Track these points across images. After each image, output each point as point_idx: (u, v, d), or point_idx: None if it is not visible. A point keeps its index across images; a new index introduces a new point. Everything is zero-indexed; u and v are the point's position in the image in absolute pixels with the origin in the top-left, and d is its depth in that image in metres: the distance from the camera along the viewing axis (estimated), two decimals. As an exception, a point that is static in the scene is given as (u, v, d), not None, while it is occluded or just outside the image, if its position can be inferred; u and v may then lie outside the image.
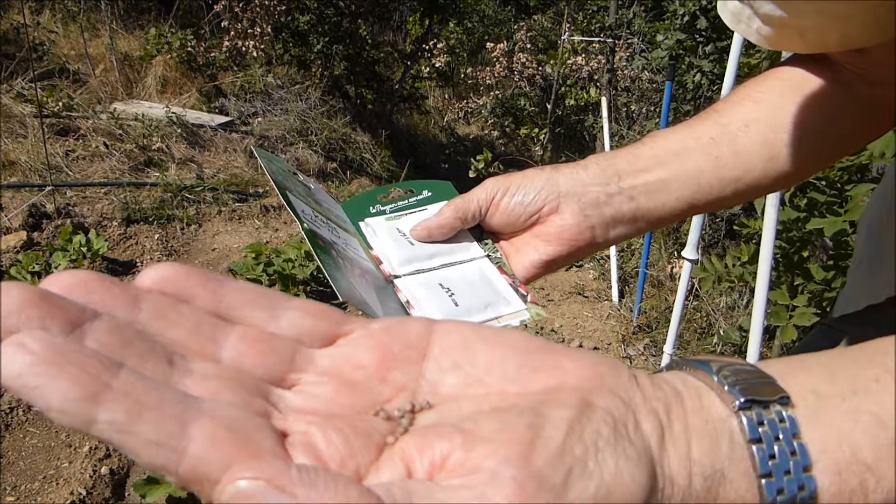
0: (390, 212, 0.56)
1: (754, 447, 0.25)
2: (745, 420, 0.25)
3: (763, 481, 0.25)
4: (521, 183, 0.53)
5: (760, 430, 0.25)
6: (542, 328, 3.16)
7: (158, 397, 0.20)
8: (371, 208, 0.56)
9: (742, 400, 0.25)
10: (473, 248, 0.54)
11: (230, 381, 0.23)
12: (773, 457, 0.25)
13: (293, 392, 0.25)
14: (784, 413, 0.26)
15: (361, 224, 0.55)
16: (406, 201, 0.57)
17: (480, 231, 0.55)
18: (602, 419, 0.23)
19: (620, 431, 0.23)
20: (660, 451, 0.24)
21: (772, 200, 1.60)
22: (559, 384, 0.25)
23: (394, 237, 0.53)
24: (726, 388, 0.26)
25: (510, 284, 0.51)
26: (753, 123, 0.54)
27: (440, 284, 0.50)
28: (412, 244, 0.52)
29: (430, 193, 0.58)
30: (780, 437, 0.25)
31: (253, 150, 0.61)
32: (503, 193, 0.53)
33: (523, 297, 0.51)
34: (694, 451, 0.25)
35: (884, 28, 0.49)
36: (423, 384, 0.26)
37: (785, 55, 0.64)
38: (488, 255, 0.53)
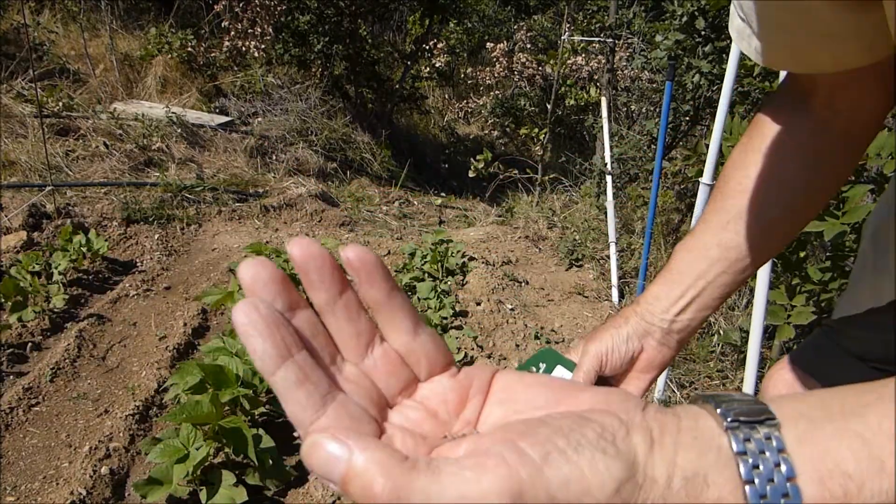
0: None
1: (740, 459, 0.29)
2: (732, 437, 0.29)
3: (747, 487, 0.28)
4: (614, 343, 0.68)
5: (747, 445, 0.29)
6: (542, 328, 3.17)
7: (317, 378, 0.30)
8: None
9: (730, 419, 0.30)
10: None
11: (363, 388, 0.33)
12: (756, 467, 0.28)
13: (394, 410, 0.34)
14: (772, 433, 0.29)
15: None
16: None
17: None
18: (591, 427, 0.29)
19: (606, 437, 0.28)
20: (646, 458, 0.28)
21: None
22: (573, 409, 0.31)
23: None
24: (719, 411, 0.30)
25: None
26: (746, 215, 0.66)
27: None
28: None
29: (545, 365, 0.70)
30: (766, 452, 0.29)
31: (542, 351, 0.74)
32: (607, 358, 0.68)
33: None
34: (679, 458, 0.29)
35: (874, 49, 0.56)
36: (481, 417, 0.35)
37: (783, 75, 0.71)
38: None
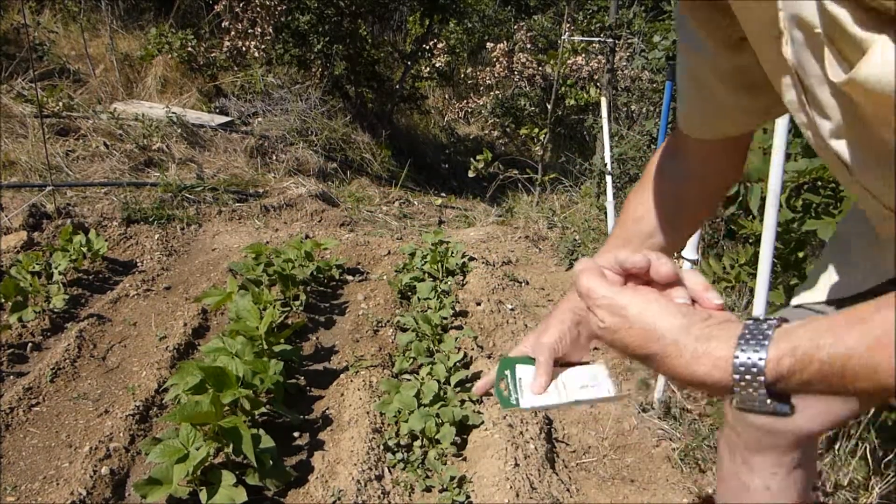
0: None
1: (740, 339, 0.54)
2: (744, 327, 0.55)
3: (736, 350, 0.53)
4: (561, 334, 0.83)
5: (751, 332, 0.54)
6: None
7: (616, 279, 0.65)
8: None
9: (748, 319, 0.55)
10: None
11: (633, 278, 0.65)
12: (748, 340, 0.53)
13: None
14: (770, 330, 0.53)
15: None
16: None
17: None
18: (688, 308, 0.59)
19: (684, 312, 0.58)
20: (698, 328, 0.56)
21: (772, 201, 1.61)
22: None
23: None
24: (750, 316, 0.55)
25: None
26: (638, 237, 0.92)
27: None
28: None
29: (509, 373, 0.81)
30: (759, 334, 0.53)
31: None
32: (559, 345, 0.83)
33: (618, 387, 0.80)
34: (712, 330, 0.56)
35: (763, 116, 0.83)
36: None
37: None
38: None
